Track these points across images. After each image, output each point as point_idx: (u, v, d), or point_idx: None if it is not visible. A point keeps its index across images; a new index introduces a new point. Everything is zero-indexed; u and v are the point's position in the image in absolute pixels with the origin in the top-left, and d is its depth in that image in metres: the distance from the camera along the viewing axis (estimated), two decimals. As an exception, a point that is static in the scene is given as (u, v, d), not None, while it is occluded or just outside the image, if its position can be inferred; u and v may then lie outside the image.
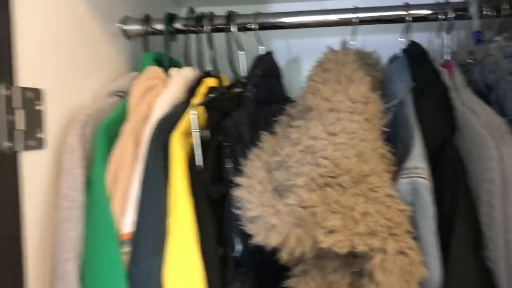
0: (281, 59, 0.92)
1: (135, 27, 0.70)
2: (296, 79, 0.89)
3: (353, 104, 0.53)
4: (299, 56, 0.93)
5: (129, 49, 0.71)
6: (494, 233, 0.47)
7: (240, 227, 0.50)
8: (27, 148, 0.46)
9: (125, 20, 0.70)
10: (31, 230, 0.46)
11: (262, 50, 0.68)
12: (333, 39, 0.66)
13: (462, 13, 0.63)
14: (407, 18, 0.64)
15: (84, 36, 0.60)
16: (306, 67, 0.63)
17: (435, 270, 0.46)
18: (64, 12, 0.55)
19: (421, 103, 0.56)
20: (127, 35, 0.70)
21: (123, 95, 0.61)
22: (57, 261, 0.47)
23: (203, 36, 0.69)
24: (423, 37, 0.68)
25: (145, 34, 0.70)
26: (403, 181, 0.48)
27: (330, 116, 0.52)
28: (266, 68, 0.67)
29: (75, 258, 0.47)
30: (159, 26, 0.70)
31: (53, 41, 0.53)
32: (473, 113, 0.53)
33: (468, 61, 0.63)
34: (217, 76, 0.68)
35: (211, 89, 0.61)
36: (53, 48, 0.53)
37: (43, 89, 0.49)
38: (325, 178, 0.47)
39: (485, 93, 0.58)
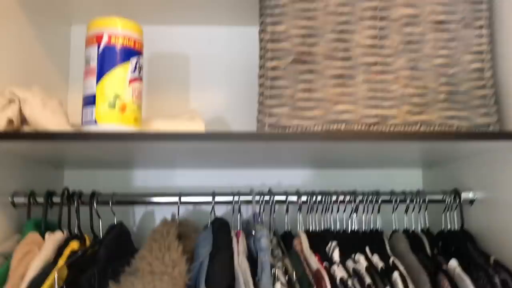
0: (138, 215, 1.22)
1: (22, 200, 0.96)
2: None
3: (165, 267, 0.83)
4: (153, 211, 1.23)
5: (16, 215, 0.97)
6: None
7: None
8: None
9: (14, 194, 0.96)
10: None
11: (115, 220, 0.98)
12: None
13: (249, 201, 0.99)
14: (213, 203, 0.98)
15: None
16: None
17: None
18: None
19: (213, 263, 0.88)
20: (14, 205, 0.96)
21: (7, 256, 0.86)
22: None
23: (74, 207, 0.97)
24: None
25: (29, 205, 0.96)
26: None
27: (148, 277, 0.81)
28: (118, 233, 0.95)
29: None
30: (40, 199, 0.97)
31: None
32: (241, 270, 0.86)
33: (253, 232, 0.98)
34: (82, 238, 0.95)
35: (73, 253, 0.88)
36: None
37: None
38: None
39: (256, 254, 0.91)
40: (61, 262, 0.85)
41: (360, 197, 1.00)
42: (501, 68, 0.87)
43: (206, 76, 1.25)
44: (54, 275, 0.80)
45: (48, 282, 0.79)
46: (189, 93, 1.24)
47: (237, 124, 1.23)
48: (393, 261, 0.88)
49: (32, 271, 0.81)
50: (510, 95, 0.84)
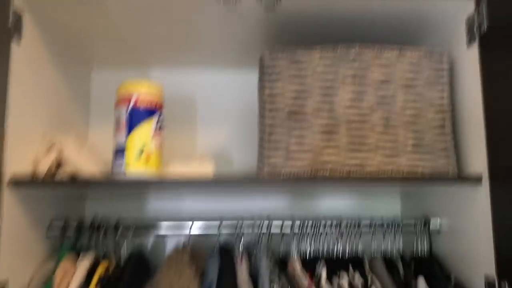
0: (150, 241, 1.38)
1: (57, 228, 1.13)
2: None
3: (179, 285, 1.00)
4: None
5: (50, 242, 1.13)
6: None
7: None
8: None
9: (50, 225, 1.13)
10: None
11: (136, 246, 1.15)
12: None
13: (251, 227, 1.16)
14: (219, 233, 1.15)
15: (25, 241, 1.01)
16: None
17: None
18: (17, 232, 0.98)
19: (221, 282, 1.04)
20: (50, 234, 1.13)
21: (48, 276, 1.03)
22: None
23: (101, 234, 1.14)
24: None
25: (63, 234, 1.13)
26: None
27: (168, 295, 0.98)
28: (138, 258, 1.12)
29: None
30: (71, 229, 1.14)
31: (16, 252, 0.94)
32: (243, 283, 1.03)
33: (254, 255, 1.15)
34: (108, 261, 1.12)
35: (101, 274, 1.04)
36: (14, 258, 0.94)
37: (8, 279, 0.90)
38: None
39: (256, 273, 1.09)
40: (93, 283, 1.02)
41: (345, 223, 1.18)
42: (459, 120, 1.05)
43: (211, 116, 1.42)
44: (89, 295, 0.97)
45: (85, 301, 0.96)
46: (196, 132, 1.41)
47: (239, 158, 1.40)
48: (371, 281, 1.06)
49: (72, 291, 0.98)
50: (466, 143, 1.02)
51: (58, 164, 1.03)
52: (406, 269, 1.12)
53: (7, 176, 0.91)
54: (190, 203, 1.39)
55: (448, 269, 1.10)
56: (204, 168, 1.05)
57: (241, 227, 1.17)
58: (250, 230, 1.18)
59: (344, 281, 1.06)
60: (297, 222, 1.19)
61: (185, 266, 1.05)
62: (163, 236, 1.37)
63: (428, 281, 1.05)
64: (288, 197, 1.39)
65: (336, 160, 0.99)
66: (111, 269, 1.10)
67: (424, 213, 1.23)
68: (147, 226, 1.19)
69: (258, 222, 1.18)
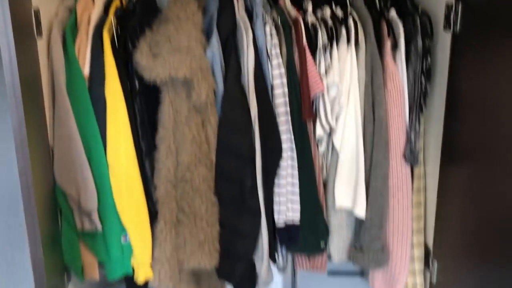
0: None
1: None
2: None
3: (187, 16, 1.17)
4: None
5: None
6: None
7: (137, 71, 1.13)
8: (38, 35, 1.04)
9: (63, -36, 1.24)
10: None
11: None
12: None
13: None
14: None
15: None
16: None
17: (220, 85, 1.15)
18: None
19: (220, 15, 1.21)
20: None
21: (70, 9, 1.18)
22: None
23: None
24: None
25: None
26: (207, 51, 1.14)
27: (176, 21, 1.15)
28: (147, -5, 1.27)
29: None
30: (84, -32, 1.25)
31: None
32: (241, 19, 1.20)
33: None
34: (120, -1, 1.26)
35: (117, 8, 1.20)
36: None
37: (39, 7, 1.06)
38: (171, 44, 1.11)
39: (251, 9, 1.25)
40: (111, 14, 1.18)
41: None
42: None
43: None
44: (111, 20, 1.15)
45: (106, 25, 1.14)
46: None
47: None
48: (350, 12, 1.23)
49: (93, 21, 1.15)
50: None
51: None
52: (382, 3, 1.28)
53: None
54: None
55: (418, 2, 1.26)
56: None
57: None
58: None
59: (327, 12, 1.23)
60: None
61: (189, 1, 1.20)
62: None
63: (399, 12, 1.23)
64: None
65: None
66: (124, 3, 1.25)
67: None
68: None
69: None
